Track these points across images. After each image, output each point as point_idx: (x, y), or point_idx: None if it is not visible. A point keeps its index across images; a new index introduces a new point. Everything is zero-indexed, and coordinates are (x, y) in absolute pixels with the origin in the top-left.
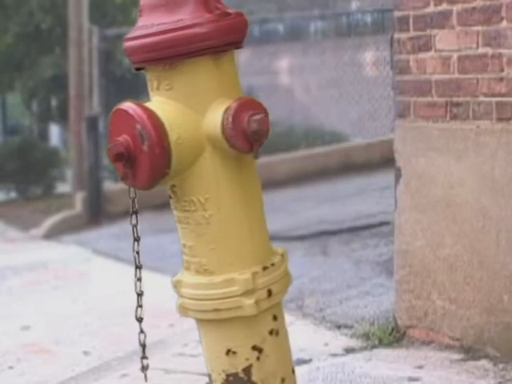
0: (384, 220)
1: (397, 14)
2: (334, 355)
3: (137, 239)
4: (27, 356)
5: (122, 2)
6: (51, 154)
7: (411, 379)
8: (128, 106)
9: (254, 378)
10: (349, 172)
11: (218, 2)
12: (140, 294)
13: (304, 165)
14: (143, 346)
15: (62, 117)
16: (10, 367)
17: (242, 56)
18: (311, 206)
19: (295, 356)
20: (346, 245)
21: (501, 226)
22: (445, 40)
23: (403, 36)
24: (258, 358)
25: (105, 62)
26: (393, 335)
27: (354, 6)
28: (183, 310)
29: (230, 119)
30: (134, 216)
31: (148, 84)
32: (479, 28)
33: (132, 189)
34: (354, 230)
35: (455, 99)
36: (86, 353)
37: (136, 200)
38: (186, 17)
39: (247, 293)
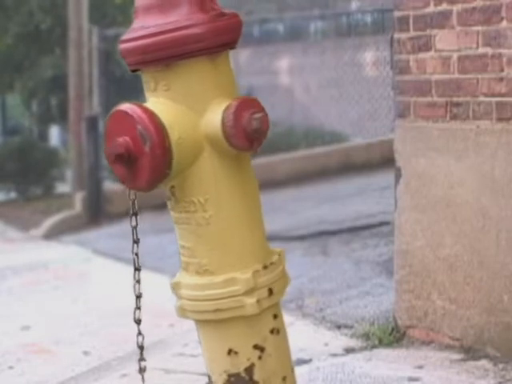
0: (384, 220)
1: (397, 13)
2: (334, 355)
3: (136, 241)
4: (27, 356)
5: (121, 2)
6: (51, 154)
7: (411, 379)
8: (127, 106)
9: (256, 377)
10: (349, 172)
11: (213, 3)
12: (139, 297)
13: (304, 165)
14: (141, 347)
15: (62, 117)
16: (10, 367)
17: (242, 56)
18: (311, 205)
19: (295, 356)
20: (346, 245)
21: (501, 226)
22: (445, 40)
23: (403, 36)
24: (259, 357)
25: (104, 63)
26: (393, 335)
27: (354, 5)
28: (182, 312)
29: (231, 117)
30: (133, 218)
31: (144, 85)
32: (479, 28)
33: (132, 191)
34: (353, 230)
35: (455, 99)
36: (85, 353)
37: (136, 202)
38: (181, 18)
39: (248, 292)
